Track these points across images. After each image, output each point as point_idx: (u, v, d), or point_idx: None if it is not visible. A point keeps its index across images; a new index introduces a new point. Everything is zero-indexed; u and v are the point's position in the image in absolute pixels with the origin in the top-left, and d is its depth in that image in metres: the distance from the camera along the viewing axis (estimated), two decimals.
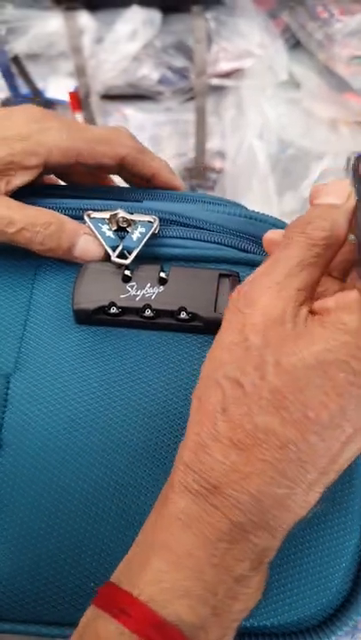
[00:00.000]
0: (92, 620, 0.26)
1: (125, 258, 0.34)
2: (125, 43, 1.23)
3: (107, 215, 0.35)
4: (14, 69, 1.21)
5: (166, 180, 0.40)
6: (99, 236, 0.34)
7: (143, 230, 0.34)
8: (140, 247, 0.34)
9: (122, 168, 0.38)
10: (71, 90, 1.20)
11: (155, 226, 0.35)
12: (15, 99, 1.23)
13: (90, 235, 0.35)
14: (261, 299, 0.26)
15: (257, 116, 1.29)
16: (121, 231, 0.35)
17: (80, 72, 1.20)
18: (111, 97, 1.28)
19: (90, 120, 1.25)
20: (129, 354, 0.34)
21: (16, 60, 1.19)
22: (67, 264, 0.36)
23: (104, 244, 0.34)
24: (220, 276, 0.33)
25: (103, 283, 0.33)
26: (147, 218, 0.35)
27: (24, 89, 1.25)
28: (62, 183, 0.44)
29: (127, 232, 0.35)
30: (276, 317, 0.25)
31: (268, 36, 1.31)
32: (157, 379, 0.33)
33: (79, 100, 1.21)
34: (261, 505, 0.24)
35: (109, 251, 0.34)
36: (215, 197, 0.39)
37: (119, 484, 0.31)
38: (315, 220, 0.27)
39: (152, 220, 0.35)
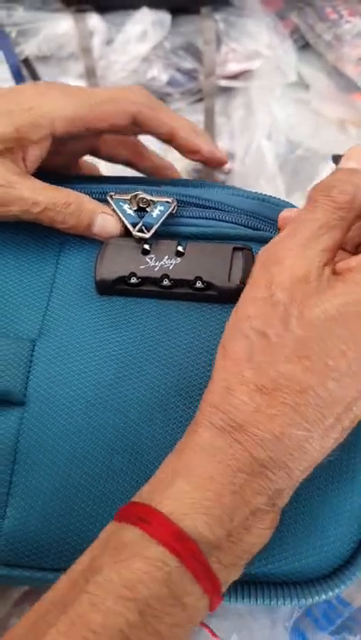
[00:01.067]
0: (112, 532, 0.27)
1: (145, 233, 0.36)
2: (135, 44, 1.23)
3: (128, 196, 0.38)
4: (25, 71, 1.22)
5: (186, 141, 0.41)
6: (120, 214, 0.37)
7: (162, 209, 0.37)
8: (160, 223, 0.37)
9: (138, 127, 0.39)
10: None
11: (173, 206, 0.37)
12: None
13: (108, 214, 0.37)
14: (288, 258, 0.28)
15: (266, 117, 1.29)
16: (141, 211, 0.38)
17: (90, 73, 1.20)
18: None
19: None
20: (148, 321, 0.36)
21: (26, 61, 1.20)
22: (90, 241, 0.39)
23: (125, 220, 0.37)
24: (234, 249, 0.36)
25: (124, 256, 0.36)
26: (165, 199, 0.38)
27: None
28: (101, 173, 0.47)
29: (147, 211, 0.38)
30: (302, 276, 0.28)
31: (276, 37, 1.31)
32: (175, 344, 0.35)
33: None
34: (281, 444, 0.26)
35: (130, 227, 0.37)
36: (232, 187, 0.42)
37: (135, 444, 0.34)
38: (338, 183, 0.30)
39: (170, 201, 0.38)
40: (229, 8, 1.27)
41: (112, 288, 0.36)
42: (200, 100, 1.30)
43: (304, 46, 1.37)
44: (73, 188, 0.38)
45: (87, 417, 0.34)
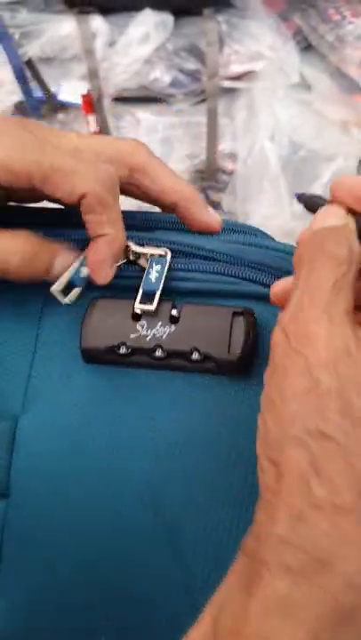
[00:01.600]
0: None
1: (150, 304, 0.32)
2: (138, 46, 1.24)
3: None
4: (28, 73, 1.22)
5: (185, 210, 0.34)
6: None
7: (159, 268, 0.33)
8: (161, 288, 0.32)
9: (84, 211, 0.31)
10: (84, 92, 1.21)
11: (168, 260, 0.33)
12: (29, 102, 1.24)
13: (65, 254, 0.32)
14: (318, 333, 0.23)
15: (268, 118, 1.30)
16: (131, 264, 0.34)
17: (92, 75, 1.21)
18: (123, 99, 1.29)
19: (102, 122, 1.26)
20: (139, 395, 0.32)
21: (29, 63, 1.20)
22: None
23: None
24: (234, 314, 0.32)
25: (112, 320, 0.32)
26: (158, 251, 0.33)
27: (37, 92, 1.26)
28: None
29: (138, 264, 0.33)
30: (341, 348, 0.23)
31: (279, 39, 1.31)
32: (168, 421, 0.32)
33: (92, 103, 1.22)
34: None
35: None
36: (230, 222, 0.37)
37: (121, 530, 0.31)
38: (329, 237, 0.26)
39: (164, 254, 0.33)
40: (232, 10, 1.27)
41: (99, 357, 0.32)
42: (203, 101, 1.30)
43: (307, 47, 1.37)
44: (44, 232, 0.33)
45: (73, 517, 0.31)
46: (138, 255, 0.34)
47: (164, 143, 1.30)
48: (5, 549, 0.31)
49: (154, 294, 0.32)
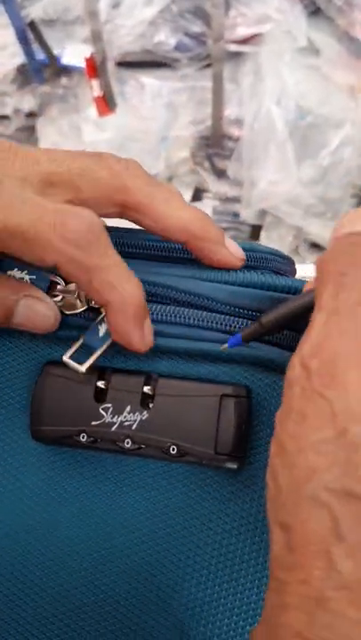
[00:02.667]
0: None
1: (80, 364, 0.25)
2: (142, 7, 1.21)
3: (72, 287, 0.26)
4: (30, 35, 1.20)
5: (197, 249, 0.27)
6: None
7: None
8: (103, 350, 0.26)
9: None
10: (87, 56, 1.19)
11: None
12: (31, 65, 1.22)
13: (32, 297, 0.26)
14: (346, 373, 0.18)
15: (275, 83, 1.27)
16: (92, 312, 0.26)
17: (96, 37, 1.19)
18: (127, 64, 1.27)
19: (106, 87, 1.24)
20: (105, 488, 0.27)
21: (32, 25, 1.18)
22: (26, 341, 0.28)
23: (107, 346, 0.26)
24: (223, 397, 0.25)
25: (69, 399, 0.26)
26: None
27: (40, 55, 1.24)
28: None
29: (100, 312, 0.26)
30: None
31: (286, 1, 1.28)
32: (138, 513, 0.27)
33: (95, 67, 1.20)
34: None
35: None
36: (249, 248, 0.29)
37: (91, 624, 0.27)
38: (349, 249, 0.20)
39: None
40: None
41: (55, 442, 0.26)
42: (208, 65, 1.27)
43: (315, 11, 1.34)
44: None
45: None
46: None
47: (168, 109, 1.28)
48: None
49: (92, 354, 0.26)
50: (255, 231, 1.33)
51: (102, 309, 0.25)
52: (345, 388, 0.18)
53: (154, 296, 0.27)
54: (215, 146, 1.33)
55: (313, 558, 0.17)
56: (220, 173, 1.34)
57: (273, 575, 0.19)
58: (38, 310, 0.25)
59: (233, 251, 0.27)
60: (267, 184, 1.24)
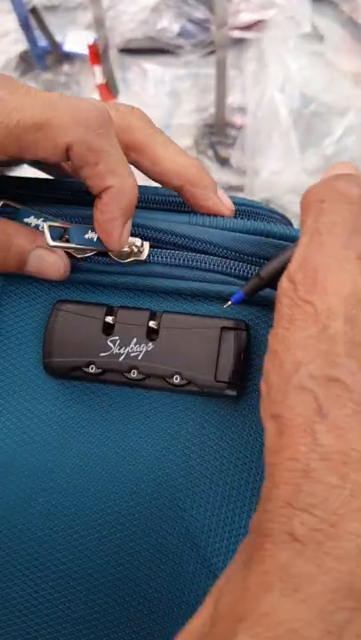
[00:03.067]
0: None
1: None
2: None
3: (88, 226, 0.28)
4: (32, 21, 1.19)
5: (190, 195, 0.29)
6: (84, 246, 0.28)
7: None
8: (81, 247, 0.27)
9: (74, 169, 0.26)
10: (90, 42, 1.18)
11: (144, 253, 0.28)
12: (33, 51, 1.21)
13: (44, 248, 0.27)
14: (327, 279, 0.21)
15: (279, 70, 1.26)
16: (102, 255, 0.28)
17: (98, 24, 1.17)
18: (130, 50, 1.26)
19: (109, 74, 1.23)
20: (112, 417, 0.28)
21: (34, 11, 1.17)
22: (38, 284, 0.29)
23: (89, 247, 0.28)
24: (223, 329, 0.27)
25: (79, 333, 0.27)
26: (133, 240, 0.28)
27: (42, 41, 1.23)
28: None
29: (108, 256, 0.28)
30: (351, 293, 0.21)
31: None
32: (146, 447, 0.28)
33: (98, 53, 1.19)
34: None
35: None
36: (242, 203, 0.31)
37: (95, 558, 0.28)
38: (339, 177, 0.23)
39: (139, 246, 0.28)
40: None
41: (65, 375, 0.28)
42: (211, 52, 1.26)
43: None
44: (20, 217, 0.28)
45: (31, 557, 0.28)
46: None
47: (171, 96, 1.27)
48: None
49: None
50: None
51: (96, 197, 0.26)
52: (325, 291, 0.21)
53: (155, 240, 0.28)
54: (218, 134, 1.32)
55: (299, 437, 0.20)
56: (224, 162, 1.33)
57: (265, 463, 0.21)
58: (49, 260, 0.27)
59: (224, 200, 0.30)
60: (270, 173, 1.24)
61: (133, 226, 0.28)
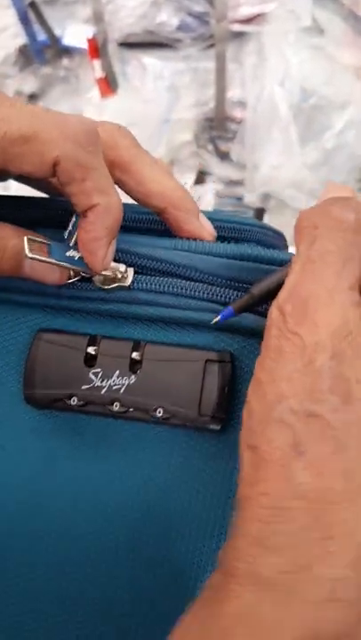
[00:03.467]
0: None
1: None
2: None
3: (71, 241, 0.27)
4: (31, 15, 1.18)
5: (172, 218, 0.28)
6: (67, 265, 0.27)
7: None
8: (61, 263, 0.26)
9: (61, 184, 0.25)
10: (89, 36, 1.18)
11: (128, 279, 0.27)
12: (32, 46, 1.21)
13: (35, 252, 0.26)
14: (316, 311, 0.20)
15: (279, 64, 1.26)
16: (85, 281, 0.28)
17: (98, 18, 1.17)
18: (129, 45, 1.26)
19: (108, 68, 1.23)
20: (95, 448, 0.28)
21: (33, 5, 1.17)
22: (19, 310, 0.29)
23: (76, 267, 0.27)
24: (207, 362, 0.26)
25: (61, 363, 0.27)
26: (117, 266, 0.27)
27: (41, 35, 1.22)
28: None
29: (91, 282, 0.28)
30: (341, 327, 0.20)
31: None
32: (129, 478, 0.27)
33: (97, 47, 1.18)
34: None
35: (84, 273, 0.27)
36: (214, 217, 0.30)
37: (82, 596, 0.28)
38: (334, 203, 0.22)
39: (123, 272, 0.27)
40: None
41: (47, 406, 0.28)
42: (211, 46, 1.26)
43: None
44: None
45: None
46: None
47: (170, 90, 1.27)
48: None
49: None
50: (259, 215, 1.32)
51: (81, 215, 0.25)
52: (315, 324, 0.20)
53: (140, 267, 0.28)
54: (218, 128, 1.32)
55: (275, 472, 0.19)
56: (224, 156, 1.33)
57: (238, 495, 0.20)
58: (41, 268, 0.27)
59: (206, 225, 0.29)
60: (270, 167, 1.23)
61: (117, 251, 0.27)
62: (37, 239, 0.26)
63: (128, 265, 0.28)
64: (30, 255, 0.25)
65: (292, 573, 0.17)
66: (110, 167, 0.26)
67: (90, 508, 0.27)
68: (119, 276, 0.27)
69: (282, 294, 0.21)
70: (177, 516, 0.27)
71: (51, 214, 0.30)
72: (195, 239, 0.28)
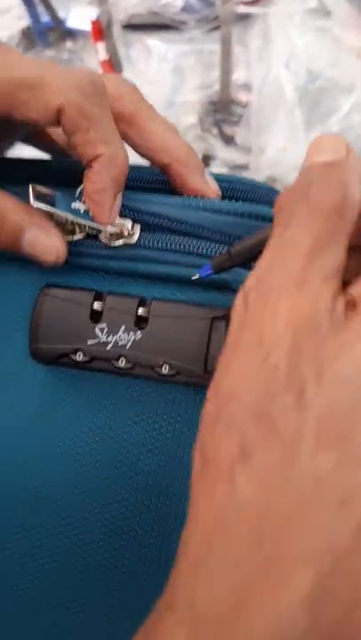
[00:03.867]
0: None
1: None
2: None
3: (70, 217, 0.27)
4: None
5: (176, 174, 0.27)
6: (75, 219, 0.27)
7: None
8: (67, 215, 0.26)
9: (67, 134, 0.24)
10: (93, 18, 1.17)
11: (135, 237, 0.27)
12: (36, 28, 1.20)
13: (39, 227, 0.26)
14: (280, 303, 0.18)
15: (284, 46, 1.25)
16: (91, 239, 0.28)
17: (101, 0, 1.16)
18: (133, 27, 1.25)
19: (112, 50, 1.21)
20: (100, 404, 0.28)
21: None
22: (24, 267, 0.29)
23: (87, 224, 0.27)
24: (214, 319, 0.26)
25: (67, 318, 0.27)
26: (124, 222, 0.27)
27: (45, 17, 1.21)
28: None
29: (98, 240, 0.27)
30: (306, 322, 0.18)
31: None
32: (133, 439, 0.27)
33: (101, 30, 1.17)
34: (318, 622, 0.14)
35: (93, 230, 0.27)
36: (225, 177, 0.30)
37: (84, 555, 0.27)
38: (316, 184, 0.19)
39: (130, 229, 0.27)
40: None
41: (52, 361, 0.27)
42: (216, 28, 1.25)
43: None
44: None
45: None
46: (98, 229, 0.27)
47: (175, 73, 1.26)
48: None
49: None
50: None
51: (86, 167, 0.25)
52: (275, 316, 0.18)
53: (147, 225, 0.27)
54: (223, 111, 1.31)
55: (219, 473, 0.17)
56: (229, 140, 1.32)
57: (191, 489, 0.19)
58: (42, 241, 0.26)
59: (210, 183, 0.29)
60: (276, 150, 1.22)
61: (124, 208, 0.27)
62: (43, 190, 0.26)
63: (135, 222, 0.27)
64: (36, 204, 0.25)
65: (229, 606, 0.15)
66: (116, 120, 0.26)
67: (90, 460, 0.27)
68: (126, 232, 0.27)
69: (249, 280, 0.20)
70: (179, 475, 0.27)
71: (50, 174, 0.29)
72: (199, 197, 0.28)
